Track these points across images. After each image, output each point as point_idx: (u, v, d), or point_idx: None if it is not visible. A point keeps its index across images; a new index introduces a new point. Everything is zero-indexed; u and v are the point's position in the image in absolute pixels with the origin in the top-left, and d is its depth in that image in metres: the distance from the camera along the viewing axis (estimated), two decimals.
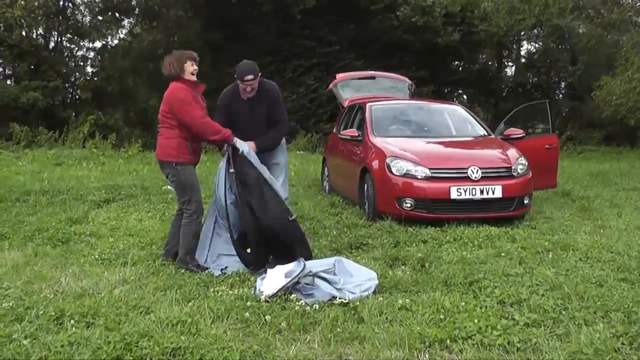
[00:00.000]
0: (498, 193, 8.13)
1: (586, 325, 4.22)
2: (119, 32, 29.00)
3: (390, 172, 8.30)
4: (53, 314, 4.29)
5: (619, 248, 6.52)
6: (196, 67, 6.14)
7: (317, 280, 4.89)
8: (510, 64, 36.91)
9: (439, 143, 9.37)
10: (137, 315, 4.38)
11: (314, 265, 5.10)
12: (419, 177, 8.15)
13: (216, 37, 25.55)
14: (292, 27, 25.63)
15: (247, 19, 25.23)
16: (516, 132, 9.69)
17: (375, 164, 8.65)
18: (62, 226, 7.91)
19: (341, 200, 10.22)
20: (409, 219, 8.09)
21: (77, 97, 26.78)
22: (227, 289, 5.11)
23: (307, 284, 4.84)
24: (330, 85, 12.35)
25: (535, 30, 30.19)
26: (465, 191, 8.02)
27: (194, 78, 6.13)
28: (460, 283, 5.29)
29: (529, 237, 7.26)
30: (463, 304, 4.60)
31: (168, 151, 6.10)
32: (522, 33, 30.35)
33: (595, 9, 27.76)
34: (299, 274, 4.80)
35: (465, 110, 10.81)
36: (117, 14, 28.13)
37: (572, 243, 6.75)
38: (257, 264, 5.88)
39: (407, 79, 12.63)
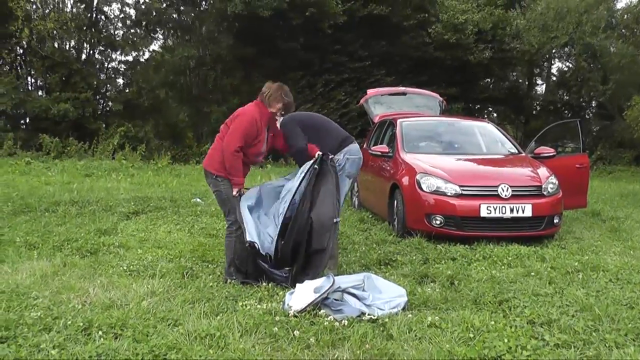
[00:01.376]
0: (528, 212, 8.06)
1: (617, 348, 4.15)
2: (151, 45, 29.27)
3: (420, 188, 8.27)
4: (81, 324, 4.30)
5: None
6: (282, 112, 6.40)
7: (346, 296, 4.86)
8: (540, 82, 36.69)
9: (470, 160, 9.32)
10: (165, 327, 4.37)
11: (343, 280, 5.07)
12: (449, 194, 8.10)
13: (247, 51, 25.70)
14: (323, 42, 25.69)
15: (278, 34, 25.35)
16: (547, 150, 9.63)
17: (405, 180, 8.62)
18: (91, 237, 7.97)
19: (370, 215, 10.21)
20: (438, 236, 8.05)
21: (108, 109, 27.05)
22: (256, 303, 5.08)
23: (336, 299, 4.80)
24: (362, 101, 12.36)
25: (567, 49, 29.95)
26: (495, 209, 7.97)
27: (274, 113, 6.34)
28: (490, 302, 5.23)
29: (559, 257, 7.18)
30: (492, 323, 4.55)
31: (211, 162, 6.27)
32: (553, 51, 30.14)
33: (628, 28, 27.51)
34: (328, 289, 4.76)
35: (496, 128, 10.73)
36: (149, 27, 28.38)
37: (602, 264, 6.65)
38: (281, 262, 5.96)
39: (438, 96, 12.59)
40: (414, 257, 7.12)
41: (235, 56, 26.13)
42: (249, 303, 5.07)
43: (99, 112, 26.05)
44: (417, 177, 8.38)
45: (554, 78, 35.01)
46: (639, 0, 27.19)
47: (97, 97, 26.68)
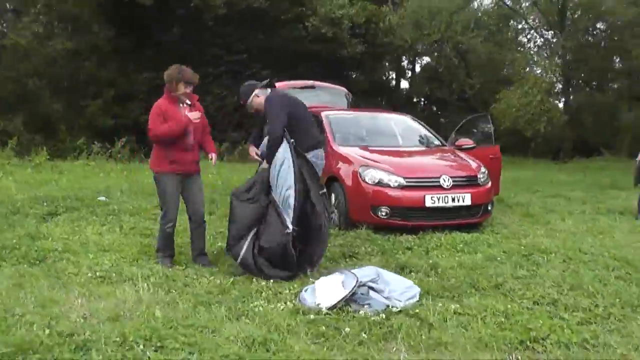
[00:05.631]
0: (467, 200, 8.40)
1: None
2: (20, 31, 27.29)
3: (364, 181, 8.35)
4: (117, 339, 3.91)
5: (588, 249, 7.00)
6: (188, 91, 6.56)
7: (369, 291, 4.86)
8: (409, 76, 37.90)
9: (404, 153, 9.54)
10: (209, 335, 4.11)
11: (361, 274, 5.02)
12: (393, 185, 8.25)
13: (125, 42, 24.86)
14: (203, 34, 25.31)
15: (158, 25, 24.70)
16: (467, 142, 10.09)
17: (345, 173, 8.68)
18: (25, 242, 7.26)
19: None
20: (381, 227, 8.18)
21: None
22: (265, 304, 4.90)
23: (362, 294, 4.80)
24: None
25: (436, 45, 31.09)
26: (438, 199, 8.22)
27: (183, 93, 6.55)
28: (487, 287, 5.41)
29: (500, 242, 7.58)
30: (509, 306, 4.72)
31: (152, 160, 6.69)
32: (424, 47, 31.28)
33: (489, 30, 29.15)
34: (355, 284, 4.75)
35: (416, 121, 11.01)
36: (18, 12, 26.61)
37: (542, 246, 7.07)
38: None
39: (344, 89, 12.63)
40: (369, 249, 7.20)
41: (113, 47, 25.16)
42: (259, 304, 4.87)
43: None
44: (360, 170, 8.46)
45: (423, 73, 36.30)
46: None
47: None
